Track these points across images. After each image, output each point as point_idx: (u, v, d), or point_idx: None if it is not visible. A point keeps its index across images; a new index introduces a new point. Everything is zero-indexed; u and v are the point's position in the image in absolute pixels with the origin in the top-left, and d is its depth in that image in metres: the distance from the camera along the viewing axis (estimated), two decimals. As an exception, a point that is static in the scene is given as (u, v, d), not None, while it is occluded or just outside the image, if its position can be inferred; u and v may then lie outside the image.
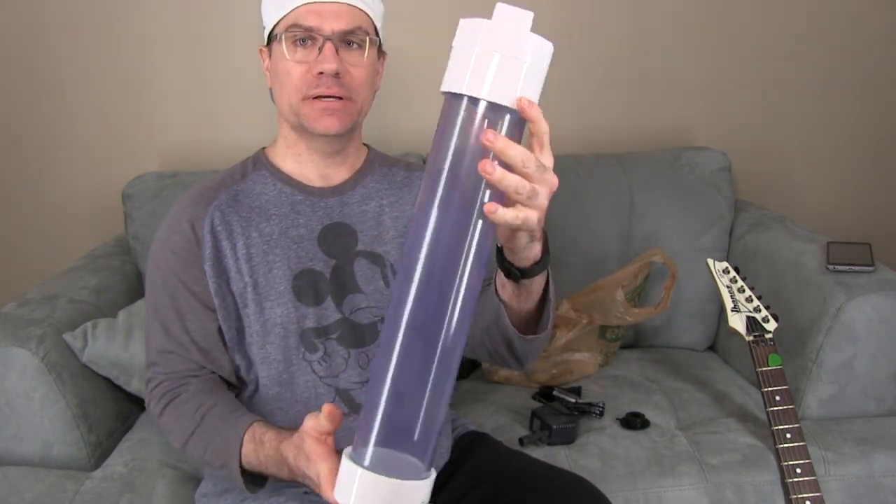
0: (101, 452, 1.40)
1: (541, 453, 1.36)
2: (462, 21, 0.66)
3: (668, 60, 2.00)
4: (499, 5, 0.66)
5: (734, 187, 1.85)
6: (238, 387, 1.12)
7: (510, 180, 0.66)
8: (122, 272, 1.67)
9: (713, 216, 1.79)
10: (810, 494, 1.21)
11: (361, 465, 0.68)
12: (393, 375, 0.68)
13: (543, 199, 0.70)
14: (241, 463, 0.94)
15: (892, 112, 2.09)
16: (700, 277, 1.72)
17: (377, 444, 0.69)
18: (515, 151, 0.66)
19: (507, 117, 0.66)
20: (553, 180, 0.70)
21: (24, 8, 1.83)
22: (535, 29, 0.66)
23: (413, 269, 0.68)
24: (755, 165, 2.07)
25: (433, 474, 0.71)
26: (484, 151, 0.66)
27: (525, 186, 0.67)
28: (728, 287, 1.42)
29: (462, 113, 0.66)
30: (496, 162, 0.65)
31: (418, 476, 0.69)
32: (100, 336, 1.40)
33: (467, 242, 0.68)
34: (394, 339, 0.68)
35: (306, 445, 0.83)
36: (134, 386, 1.45)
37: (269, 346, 1.08)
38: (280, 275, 1.07)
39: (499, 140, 0.64)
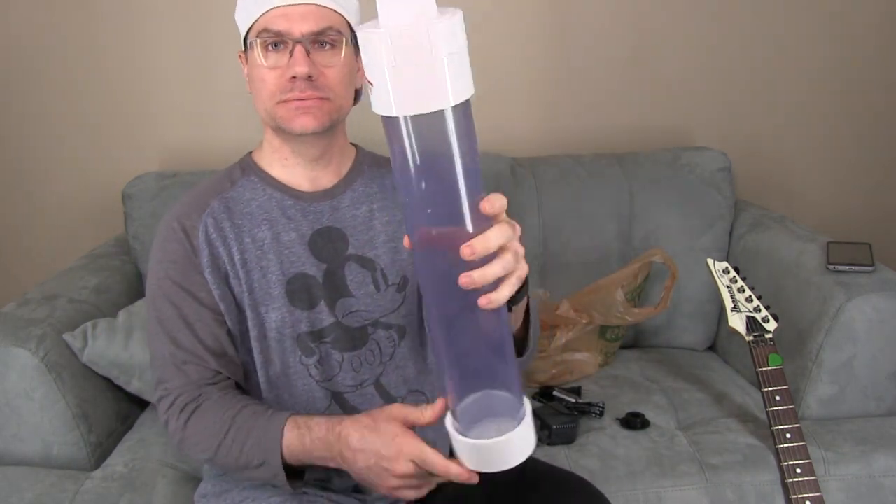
0: (101, 452, 1.40)
1: (541, 453, 1.36)
2: (359, 34, 0.62)
3: (669, 61, 1.99)
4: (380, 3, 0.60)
5: (734, 187, 1.85)
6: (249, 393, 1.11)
7: (495, 270, 0.69)
8: (122, 272, 1.67)
9: (713, 216, 1.78)
10: (810, 494, 1.21)
11: (466, 436, 0.74)
12: (453, 335, 0.73)
13: (522, 250, 0.73)
14: (282, 455, 0.95)
15: (893, 112, 2.09)
16: (700, 277, 1.72)
17: (469, 392, 0.74)
18: (495, 240, 0.68)
19: (448, 114, 0.63)
20: (518, 228, 0.73)
21: (23, 9, 1.83)
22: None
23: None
24: (755, 165, 2.07)
25: (528, 406, 0.77)
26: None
27: (509, 262, 0.69)
28: (728, 287, 1.42)
29: (405, 131, 0.63)
30: (472, 271, 0.67)
31: (516, 416, 0.75)
32: (100, 336, 1.40)
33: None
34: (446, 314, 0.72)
35: (391, 427, 0.88)
36: (134, 386, 1.45)
37: (267, 351, 1.08)
38: (274, 280, 1.07)
39: (478, 247, 0.66)
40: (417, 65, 0.59)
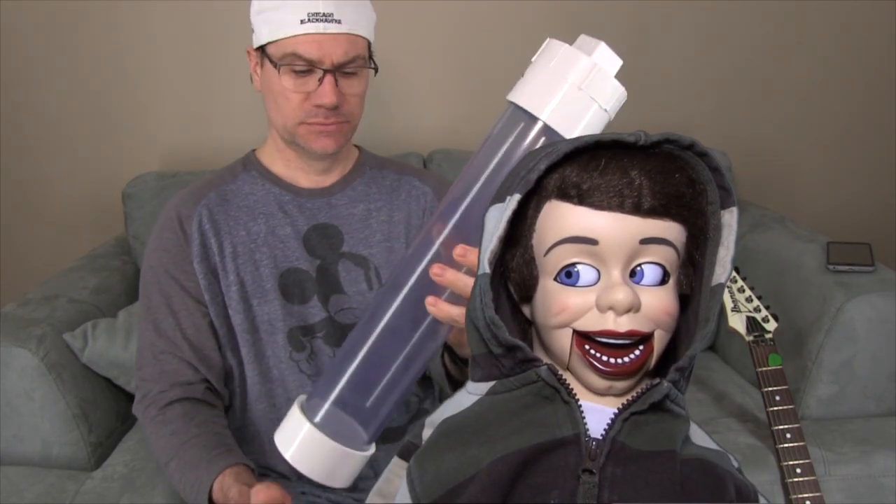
0: (101, 452, 1.40)
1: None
2: (557, 46, 0.69)
3: (669, 60, 1.99)
4: (600, 46, 0.69)
5: (734, 187, 1.85)
6: (223, 394, 1.10)
7: (463, 283, 0.69)
8: (122, 272, 1.67)
9: (713, 216, 1.78)
10: (810, 494, 1.21)
11: (311, 421, 0.72)
12: (367, 350, 0.73)
13: None
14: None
15: (893, 112, 2.09)
16: (700, 277, 1.72)
17: (334, 402, 0.73)
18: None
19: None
20: None
21: (25, 9, 1.83)
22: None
23: (404, 280, 0.72)
24: (755, 165, 2.07)
25: (373, 449, 0.76)
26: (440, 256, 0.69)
27: None
28: (728, 287, 1.42)
29: (525, 130, 0.68)
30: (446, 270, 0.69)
31: (359, 448, 0.74)
32: (100, 336, 1.40)
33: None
34: (374, 325, 0.73)
35: None
36: (134, 386, 1.45)
37: (258, 344, 1.08)
38: (267, 273, 1.07)
39: (472, 256, 0.67)
40: (581, 97, 0.67)
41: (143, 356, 1.07)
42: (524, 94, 0.68)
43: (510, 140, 0.68)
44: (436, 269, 0.69)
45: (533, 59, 0.70)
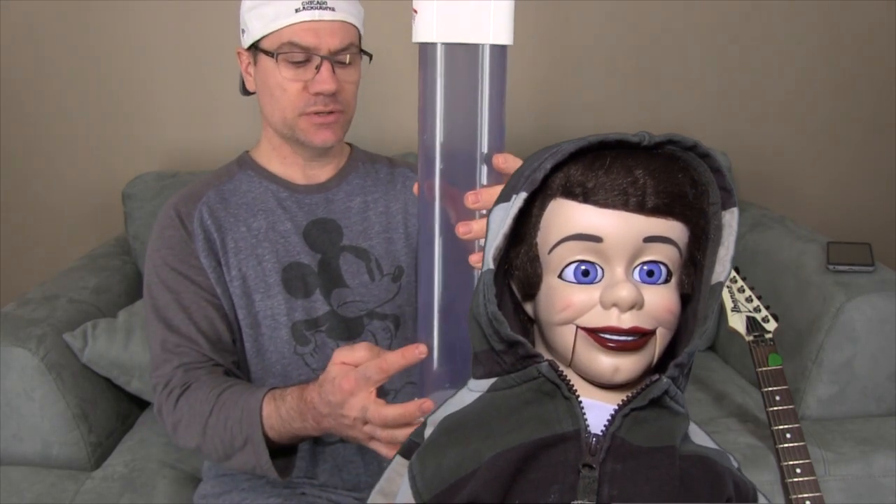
0: (101, 452, 1.40)
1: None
2: None
3: (669, 60, 1.99)
4: None
5: (734, 187, 1.85)
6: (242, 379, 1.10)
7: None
8: (122, 272, 1.67)
9: (713, 216, 1.78)
10: (810, 494, 1.21)
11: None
12: (440, 336, 0.72)
13: None
14: (264, 432, 0.92)
15: (893, 113, 2.09)
16: (700, 277, 1.72)
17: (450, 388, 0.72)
18: None
19: (487, 52, 0.66)
20: None
21: (24, 9, 1.83)
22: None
23: (430, 260, 0.71)
24: (755, 165, 2.07)
25: None
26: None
27: None
28: (728, 287, 1.42)
29: (440, 60, 0.66)
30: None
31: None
32: (100, 336, 1.40)
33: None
34: (431, 312, 0.71)
35: (335, 370, 0.83)
36: (134, 386, 1.45)
37: (260, 339, 1.08)
38: (269, 268, 1.08)
39: (485, 196, 0.65)
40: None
41: (157, 357, 1.05)
42: (429, 30, 0.67)
43: (441, 76, 0.68)
44: (462, 229, 0.68)
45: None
